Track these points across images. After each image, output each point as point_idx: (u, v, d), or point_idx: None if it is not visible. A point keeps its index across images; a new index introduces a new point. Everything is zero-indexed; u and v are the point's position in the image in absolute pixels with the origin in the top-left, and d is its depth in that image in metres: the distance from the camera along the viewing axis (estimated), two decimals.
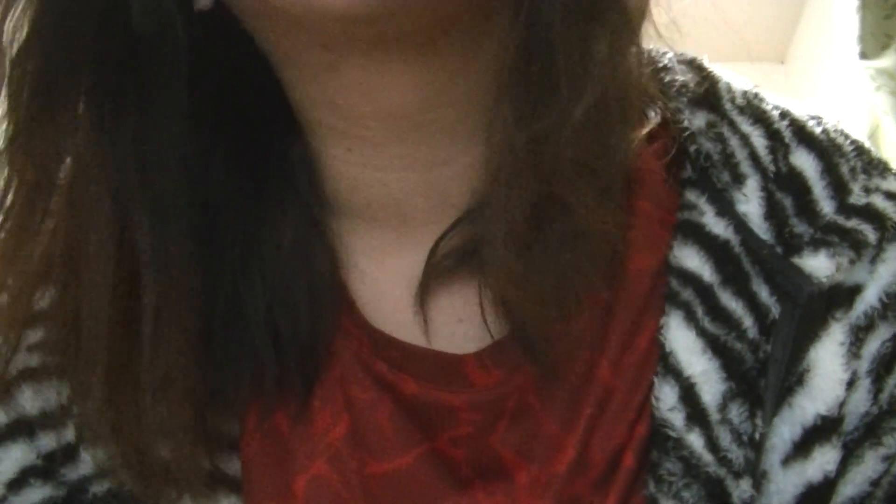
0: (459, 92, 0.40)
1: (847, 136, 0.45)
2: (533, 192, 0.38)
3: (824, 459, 0.40)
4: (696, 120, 0.44)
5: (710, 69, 0.46)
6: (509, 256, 0.38)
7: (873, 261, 0.42)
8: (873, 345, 0.41)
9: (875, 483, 0.41)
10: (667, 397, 0.40)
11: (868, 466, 0.41)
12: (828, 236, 0.41)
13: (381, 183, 0.42)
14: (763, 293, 0.41)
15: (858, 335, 0.41)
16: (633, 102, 0.41)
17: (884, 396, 0.41)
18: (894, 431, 0.41)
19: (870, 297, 0.41)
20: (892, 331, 0.41)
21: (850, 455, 0.41)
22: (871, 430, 0.41)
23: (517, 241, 0.38)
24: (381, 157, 0.41)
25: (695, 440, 0.40)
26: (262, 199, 0.44)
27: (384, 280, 0.44)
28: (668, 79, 0.45)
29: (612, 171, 0.40)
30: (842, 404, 0.40)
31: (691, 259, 0.42)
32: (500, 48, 0.38)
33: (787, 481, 0.40)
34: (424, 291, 0.43)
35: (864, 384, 0.41)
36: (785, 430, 0.40)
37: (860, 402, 0.41)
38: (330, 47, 0.37)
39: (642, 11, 0.40)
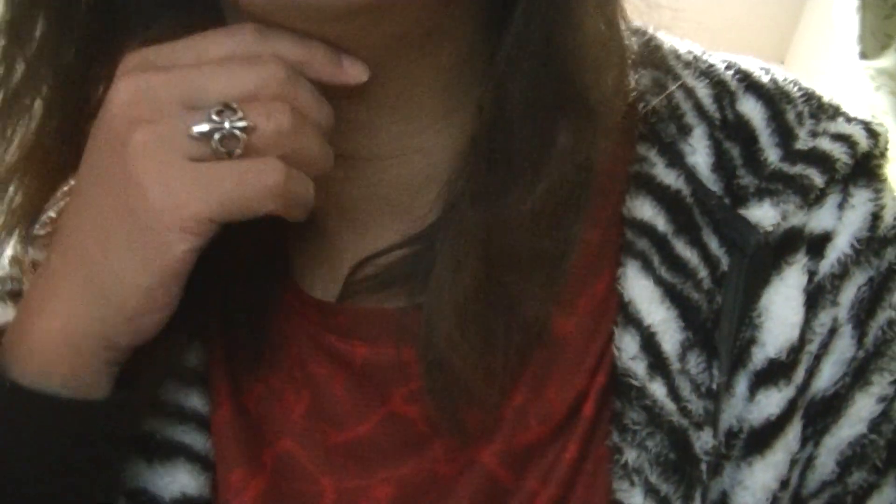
0: (379, 102, 0.40)
1: (797, 84, 0.46)
2: (480, 277, 0.39)
3: (767, 402, 0.40)
4: (643, 79, 0.44)
5: (652, 34, 0.46)
6: (448, 329, 0.39)
7: (841, 207, 0.42)
8: (850, 291, 0.42)
9: (875, 428, 0.41)
10: (628, 346, 0.40)
11: (860, 407, 0.41)
12: (772, 185, 0.42)
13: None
14: (713, 244, 0.42)
15: (834, 283, 0.42)
16: (591, 190, 0.41)
17: (868, 340, 0.42)
18: (883, 371, 0.41)
19: (841, 244, 0.42)
20: (867, 275, 0.42)
21: (840, 399, 0.41)
22: (859, 373, 0.41)
23: (458, 317, 0.39)
24: None
25: (657, 389, 0.40)
26: None
27: (336, 260, 0.45)
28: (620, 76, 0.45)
29: (565, 255, 0.41)
30: (794, 350, 0.40)
31: (645, 209, 0.42)
32: (438, 74, 0.40)
33: (742, 427, 0.41)
34: (342, 303, 0.44)
35: (846, 330, 0.42)
36: (744, 378, 0.41)
37: (845, 347, 0.42)
38: (251, 16, 0.37)
39: (614, 103, 0.41)
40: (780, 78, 0.46)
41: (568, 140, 0.39)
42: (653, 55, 0.46)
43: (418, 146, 0.42)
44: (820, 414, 0.42)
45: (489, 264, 0.39)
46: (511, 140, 0.38)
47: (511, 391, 0.42)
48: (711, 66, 0.46)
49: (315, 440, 0.44)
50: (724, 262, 0.41)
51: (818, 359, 0.42)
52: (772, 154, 0.43)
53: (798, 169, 0.42)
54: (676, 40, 0.48)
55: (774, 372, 0.41)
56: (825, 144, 0.43)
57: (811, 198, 0.42)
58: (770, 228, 0.41)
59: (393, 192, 0.43)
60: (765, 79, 0.46)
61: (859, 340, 0.42)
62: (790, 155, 0.43)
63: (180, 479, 0.44)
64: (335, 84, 0.37)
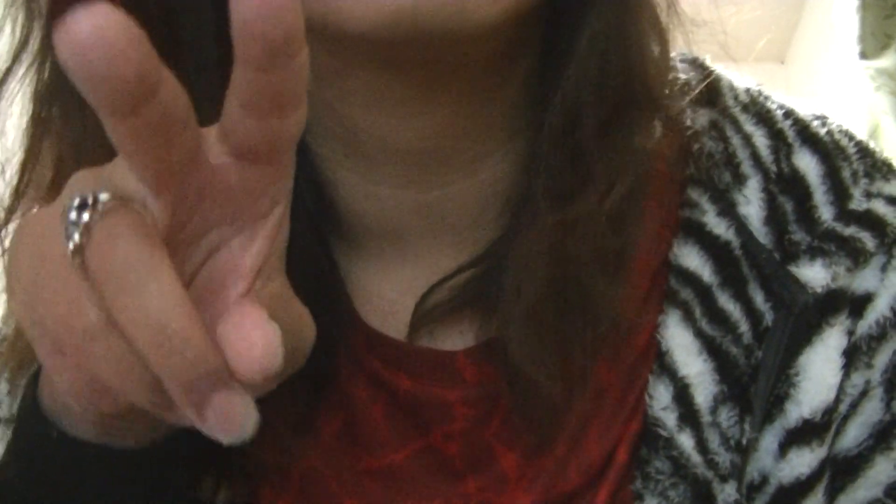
0: (459, 127, 0.39)
1: (851, 138, 0.45)
2: (552, 275, 0.38)
3: (799, 461, 0.40)
4: (700, 119, 0.44)
5: (712, 68, 0.46)
6: (524, 336, 0.38)
7: (884, 269, 0.41)
8: (885, 354, 0.41)
9: (890, 492, 0.41)
10: (661, 396, 0.40)
11: (879, 470, 0.41)
12: (825, 244, 0.41)
13: (376, 197, 0.42)
14: (758, 298, 0.41)
15: (871, 344, 0.41)
16: (651, 180, 0.41)
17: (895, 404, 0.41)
18: None
19: (881, 307, 0.41)
20: None
21: (861, 460, 0.41)
22: (882, 437, 0.41)
23: (532, 322, 0.38)
24: (376, 172, 0.41)
25: (685, 441, 0.40)
26: None
27: (385, 285, 0.44)
28: (670, 77, 0.45)
29: (629, 249, 0.40)
30: (829, 411, 0.40)
31: (691, 258, 0.42)
32: (517, 107, 0.39)
33: (770, 482, 0.41)
34: (414, 332, 0.43)
35: (877, 393, 0.41)
36: (777, 434, 0.40)
37: (873, 410, 0.41)
38: (336, 54, 0.36)
39: (664, 90, 0.40)
40: (835, 130, 0.45)
41: (643, 138, 0.38)
42: (711, 94, 0.45)
43: (487, 167, 0.41)
44: (840, 473, 0.41)
45: (563, 266, 0.38)
46: (586, 139, 0.37)
47: (555, 440, 0.41)
48: (769, 111, 0.45)
49: (344, 463, 0.43)
50: (768, 318, 0.41)
51: (845, 419, 0.41)
52: (826, 212, 0.42)
53: (851, 231, 0.41)
54: (734, 75, 0.47)
55: (808, 432, 0.40)
56: (880, 208, 0.42)
57: (861, 261, 0.41)
58: (820, 290, 0.40)
59: (455, 217, 0.42)
60: (821, 132, 0.44)
61: (888, 404, 0.41)
62: (844, 215, 0.42)
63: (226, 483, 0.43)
64: None
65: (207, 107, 0.39)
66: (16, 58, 0.40)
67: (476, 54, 0.36)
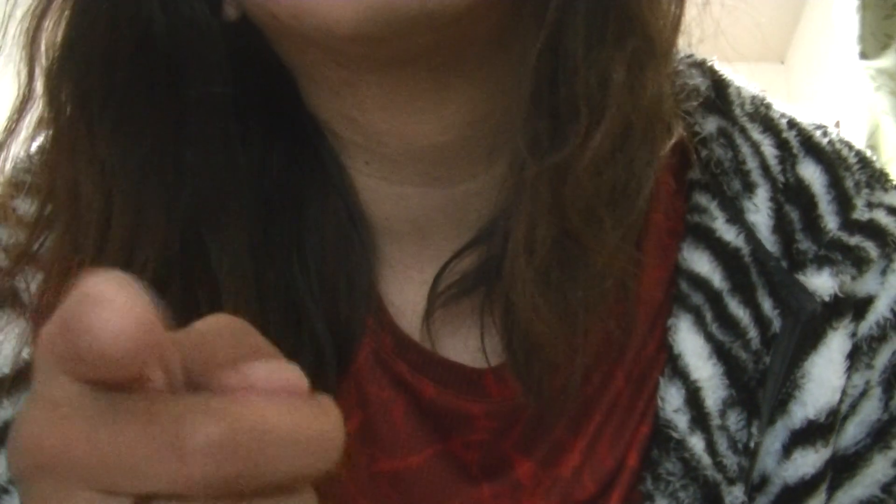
0: (478, 113, 0.39)
1: (851, 148, 0.46)
2: (554, 231, 0.38)
3: (803, 461, 0.40)
4: (708, 125, 0.44)
5: (719, 72, 0.46)
6: (531, 294, 0.38)
7: (884, 272, 0.42)
8: (885, 355, 0.42)
9: (887, 489, 0.41)
10: (673, 399, 0.41)
11: (877, 469, 0.41)
12: (831, 254, 0.42)
13: (400, 197, 0.42)
14: (766, 305, 0.42)
15: (871, 345, 0.42)
16: (657, 130, 0.40)
17: (894, 403, 0.42)
18: None
19: (881, 308, 0.42)
20: None
21: (858, 458, 0.42)
22: (880, 435, 0.42)
23: (539, 279, 0.38)
24: (400, 173, 0.41)
25: (696, 443, 0.40)
26: (308, 195, 0.44)
27: (409, 290, 0.44)
28: (678, 82, 0.45)
29: (634, 205, 0.40)
30: (833, 412, 0.41)
31: (702, 263, 0.42)
32: (519, 71, 0.38)
33: (774, 482, 0.41)
34: (429, 318, 0.43)
35: (876, 393, 0.42)
36: (780, 435, 0.41)
37: (872, 410, 0.42)
38: (344, 65, 0.36)
39: (670, 36, 0.40)
40: (835, 140, 0.46)
41: (622, 75, 0.37)
42: (719, 100, 0.45)
43: (505, 158, 0.40)
44: (838, 471, 0.42)
45: (561, 218, 0.38)
46: (571, 83, 0.37)
47: (572, 449, 0.42)
48: (773, 120, 0.45)
49: (359, 463, 0.43)
50: (776, 325, 0.41)
51: (845, 418, 0.42)
52: (831, 221, 0.43)
53: (856, 240, 0.42)
54: (740, 79, 0.47)
55: (813, 433, 0.41)
56: (882, 218, 0.43)
57: (864, 270, 0.42)
58: (827, 298, 0.41)
59: (476, 213, 0.42)
60: (824, 142, 0.45)
61: (886, 404, 0.42)
62: (848, 224, 0.43)
63: None
64: None
65: (212, 145, 0.39)
66: (21, 110, 0.40)
67: (472, 32, 0.36)
